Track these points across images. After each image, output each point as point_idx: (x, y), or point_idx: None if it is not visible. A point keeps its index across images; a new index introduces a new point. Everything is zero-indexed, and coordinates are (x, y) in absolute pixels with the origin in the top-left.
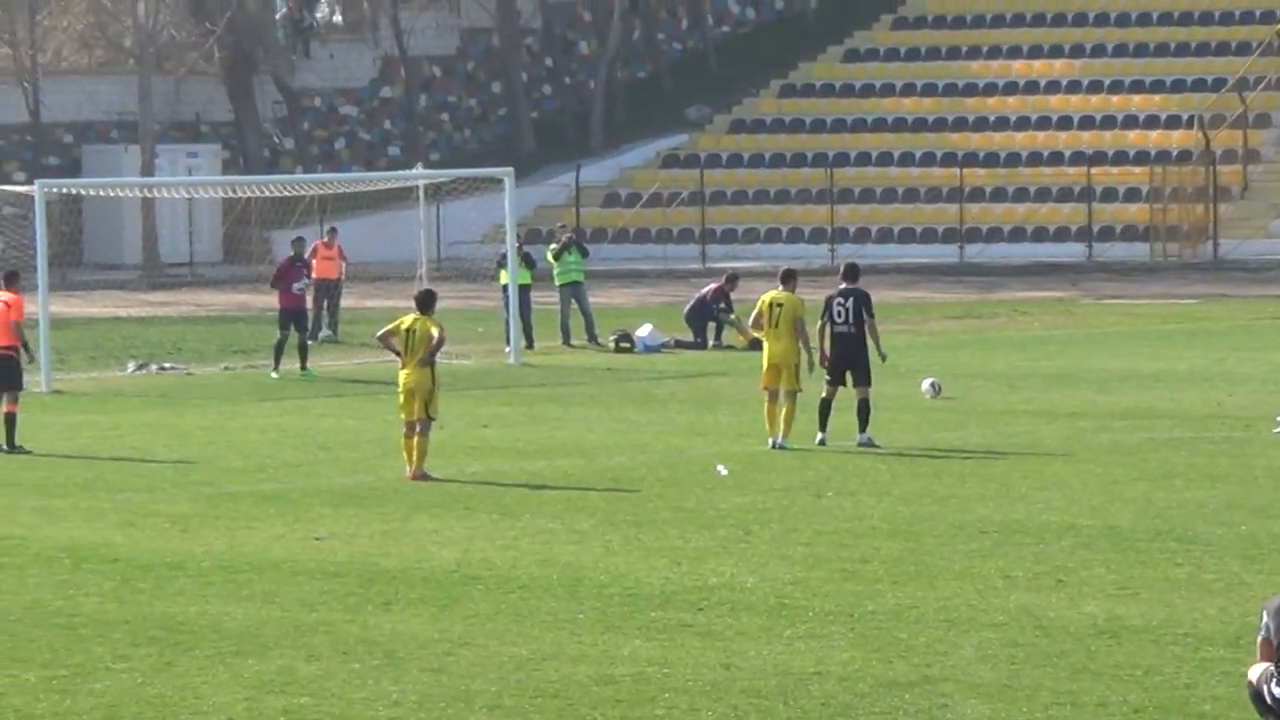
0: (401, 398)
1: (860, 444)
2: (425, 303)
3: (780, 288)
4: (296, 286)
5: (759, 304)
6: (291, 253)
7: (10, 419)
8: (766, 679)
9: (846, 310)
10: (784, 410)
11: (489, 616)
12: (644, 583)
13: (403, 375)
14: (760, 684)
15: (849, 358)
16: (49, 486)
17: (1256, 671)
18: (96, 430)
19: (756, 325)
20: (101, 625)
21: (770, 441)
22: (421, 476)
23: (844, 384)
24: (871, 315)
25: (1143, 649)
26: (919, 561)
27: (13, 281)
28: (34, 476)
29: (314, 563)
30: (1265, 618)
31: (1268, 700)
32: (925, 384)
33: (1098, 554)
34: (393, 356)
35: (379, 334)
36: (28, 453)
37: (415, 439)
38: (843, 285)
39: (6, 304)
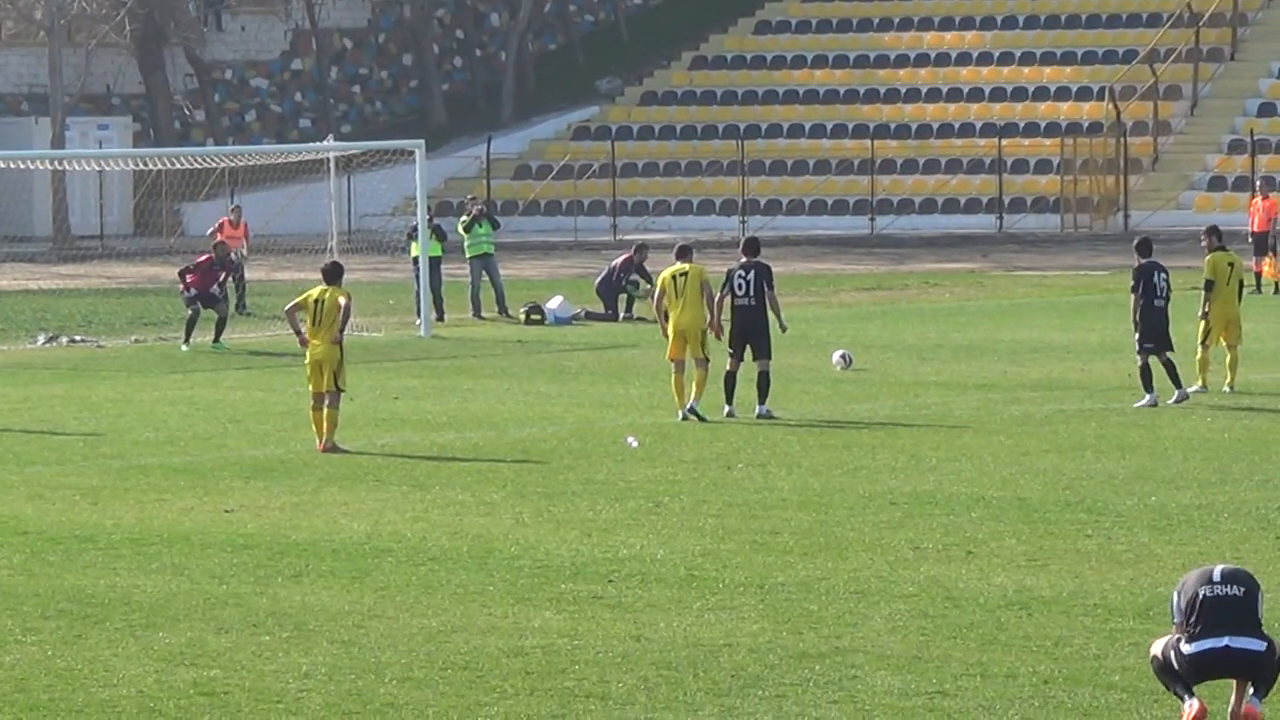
0: (309, 370)
1: (759, 416)
2: (332, 274)
3: (676, 263)
4: (216, 289)
5: (659, 282)
6: (213, 255)
7: None
8: (677, 650)
9: (747, 283)
10: (695, 376)
11: (399, 589)
12: (554, 555)
13: (310, 348)
14: (671, 655)
15: (750, 330)
16: None
17: (1159, 644)
18: (5, 403)
19: (659, 305)
20: (10, 598)
21: (679, 414)
22: (331, 448)
23: (743, 358)
24: (772, 288)
25: (1052, 620)
26: (829, 533)
27: None
28: None
29: (224, 535)
30: (1175, 599)
31: (1175, 666)
32: (836, 356)
33: (1008, 525)
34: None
35: (287, 308)
36: None
37: (325, 411)
38: (744, 259)
39: None
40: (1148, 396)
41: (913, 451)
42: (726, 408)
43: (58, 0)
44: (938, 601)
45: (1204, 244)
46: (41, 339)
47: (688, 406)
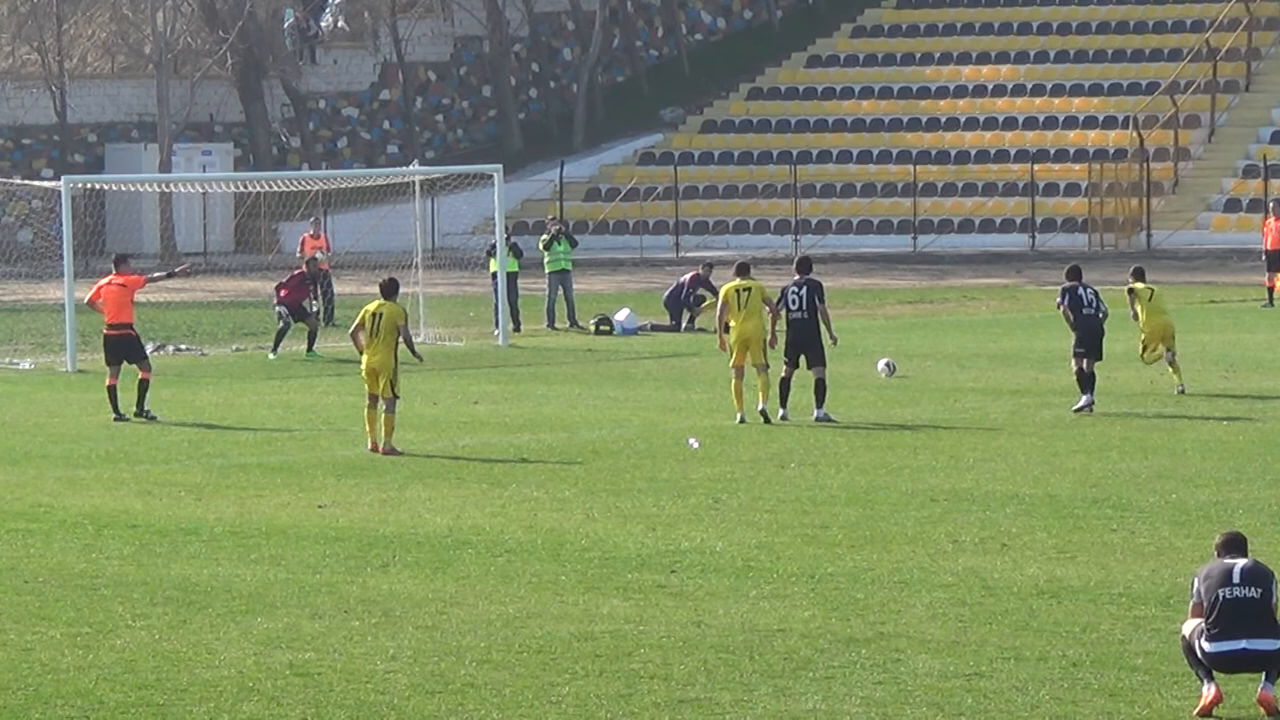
0: (365, 374)
1: (817, 419)
2: (389, 290)
3: (738, 279)
4: (306, 302)
5: (723, 294)
6: (305, 270)
7: (143, 385)
8: (734, 635)
9: (800, 298)
10: (759, 381)
11: (478, 578)
12: (621, 547)
13: (365, 356)
14: (728, 640)
15: (803, 342)
16: (73, 458)
17: (1189, 627)
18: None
19: (721, 317)
20: (121, 586)
21: (738, 417)
22: (390, 451)
23: (798, 366)
24: (823, 302)
25: (1080, 607)
26: (874, 527)
27: (124, 264)
28: (60, 449)
29: (317, 528)
30: (1196, 584)
31: (1198, 654)
32: (880, 364)
33: (1039, 520)
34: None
35: (351, 330)
36: (154, 419)
37: (381, 415)
38: (797, 276)
39: (124, 284)
40: (1084, 398)
41: (952, 452)
42: (781, 411)
43: (165, 36)
44: (975, 590)
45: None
46: (149, 347)
47: (759, 407)
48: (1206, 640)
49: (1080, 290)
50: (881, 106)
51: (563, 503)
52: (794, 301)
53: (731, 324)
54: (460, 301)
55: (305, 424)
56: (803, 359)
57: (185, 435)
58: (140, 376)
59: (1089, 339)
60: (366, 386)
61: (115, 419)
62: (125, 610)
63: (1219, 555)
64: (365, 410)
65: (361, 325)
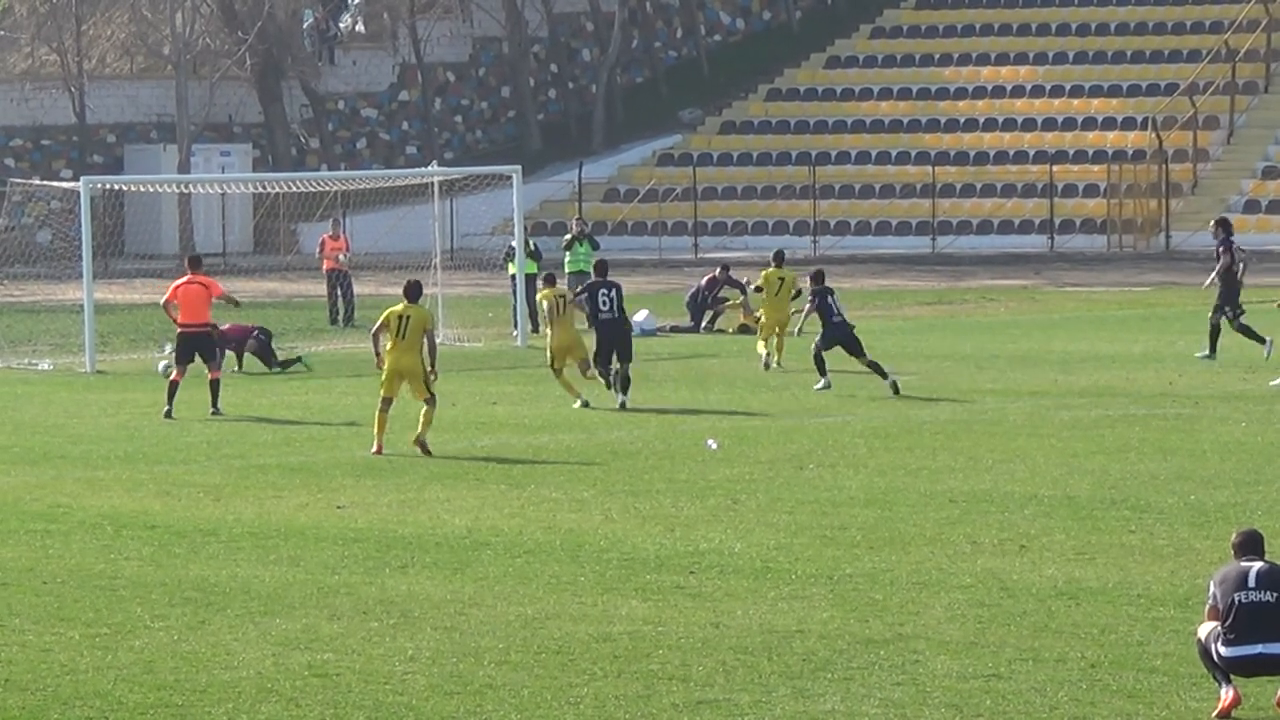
0: (388, 376)
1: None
2: (414, 292)
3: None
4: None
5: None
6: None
7: (215, 385)
8: (753, 636)
9: (610, 300)
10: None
11: (497, 579)
12: (640, 548)
13: (391, 356)
14: (747, 641)
15: (614, 340)
16: (92, 459)
17: (1204, 630)
18: (136, 408)
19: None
20: (140, 587)
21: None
22: (422, 445)
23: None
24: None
25: (1099, 609)
26: (893, 529)
27: (199, 264)
28: (79, 450)
29: (336, 529)
30: (1212, 587)
31: (1214, 658)
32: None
33: (1057, 521)
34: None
35: (372, 330)
36: (222, 415)
37: (423, 411)
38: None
39: (205, 285)
40: (822, 380)
41: (970, 453)
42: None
43: (184, 37)
44: (993, 592)
45: None
46: (169, 348)
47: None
48: (1223, 645)
49: (829, 299)
50: (900, 107)
51: (581, 504)
52: (604, 303)
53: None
54: (479, 303)
55: (324, 425)
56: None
57: (204, 436)
58: (210, 376)
59: (842, 339)
60: (383, 390)
61: (166, 415)
62: (144, 611)
63: (1235, 555)
64: (376, 413)
65: (386, 326)
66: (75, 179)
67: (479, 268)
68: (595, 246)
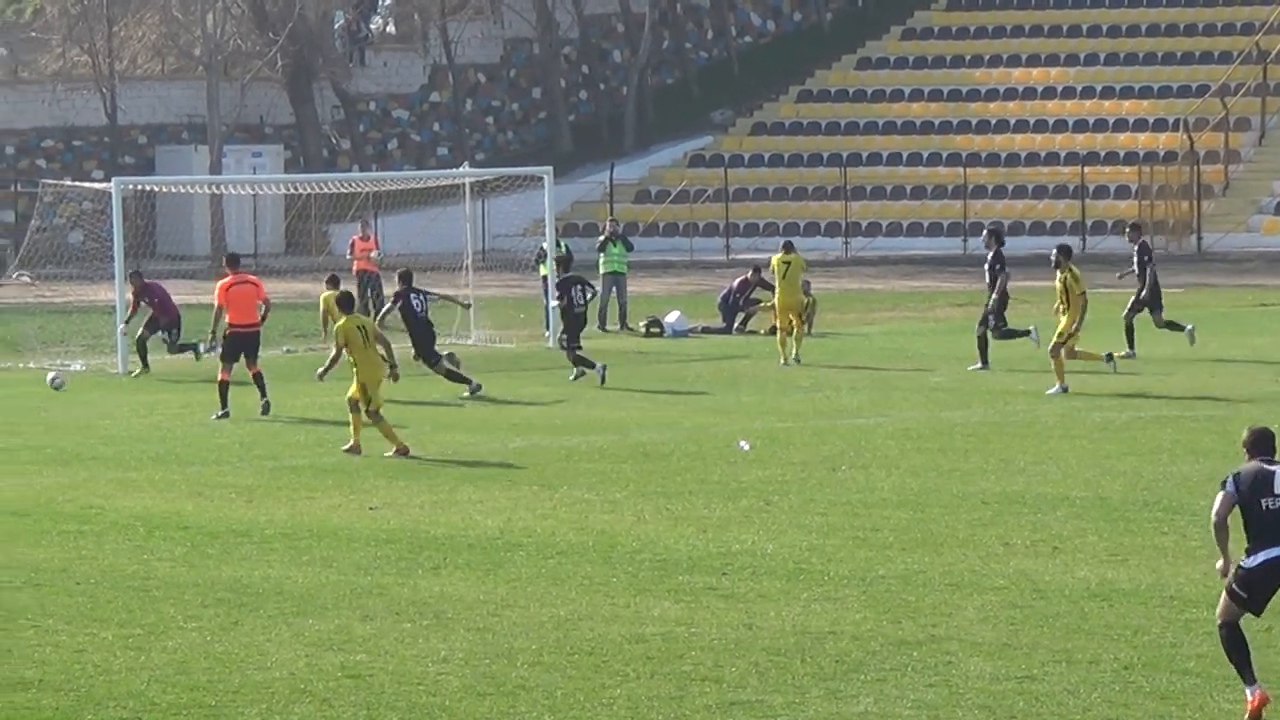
0: (366, 388)
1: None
2: (351, 303)
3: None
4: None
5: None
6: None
7: (259, 378)
8: (785, 638)
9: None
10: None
11: (530, 580)
12: (672, 549)
13: (363, 372)
14: (780, 642)
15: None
16: (125, 460)
17: (1216, 504)
18: (168, 409)
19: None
20: (173, 588)
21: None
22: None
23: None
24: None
25: (1132, 610)
26: (925, 530)
27: (238, 263)
28: (111, 451)
29: (368, 530)
30: (1230, 483)
31: (1226, 533)
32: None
33: (1090, 523)
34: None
35: (335, 355)
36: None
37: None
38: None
39: (255, 285)
40: (595, 369)
41: (1003, 455)
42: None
43: (215, 38)
44: (1026, 593)
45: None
46: (202, 348)
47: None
48: (1246, 558)
49: (577, 288)
50: (931, 109)
51: (614, 505)
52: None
53: (777, 289)
54: (511, 304)
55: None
56: None
57: (236, 437)
58: (252, 371)
59: (578, 331)
60: (361, 398)
61: (221, 414)
62: (177, 612)
63: (1249, 454)
64: (353, 417)
65: (349, 344)
66: (107, 180)
67: (510, 269)
68: (629, 248)
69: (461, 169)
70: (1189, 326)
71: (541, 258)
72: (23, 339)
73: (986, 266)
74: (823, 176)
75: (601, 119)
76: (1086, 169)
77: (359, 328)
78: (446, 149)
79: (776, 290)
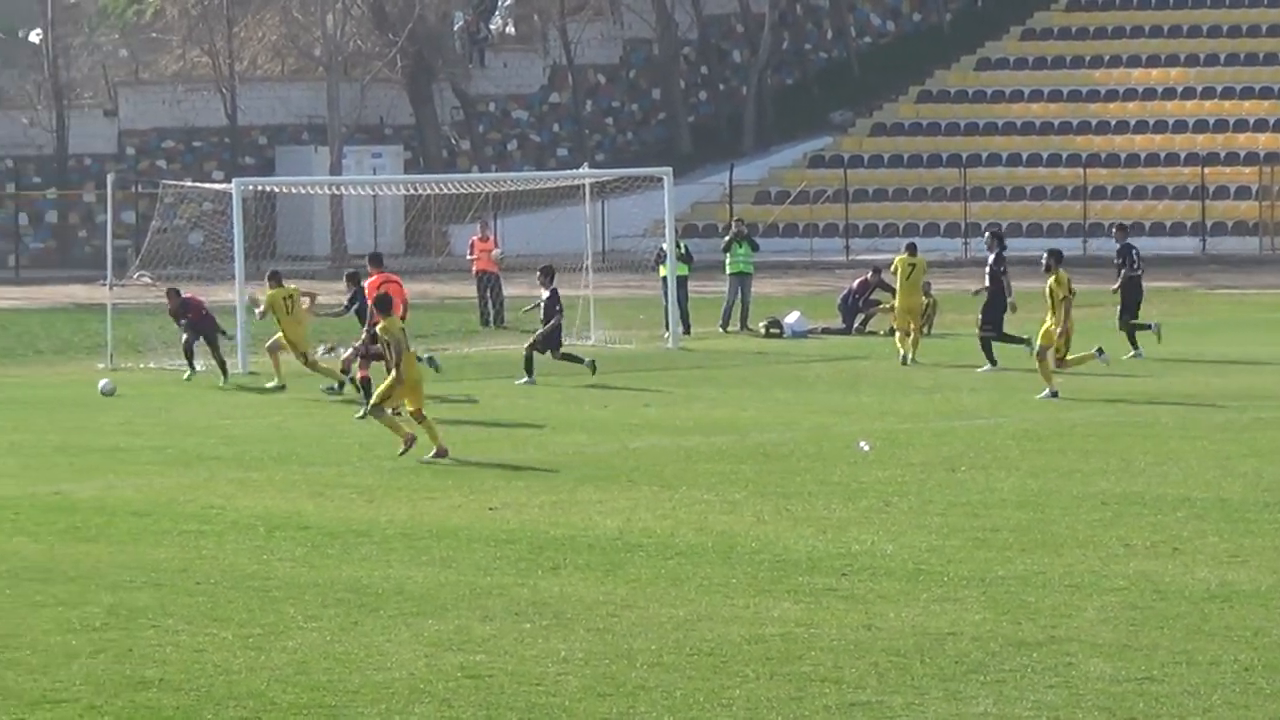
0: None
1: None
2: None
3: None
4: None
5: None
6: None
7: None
8: (905, 639)
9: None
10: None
11: (649, 581)
12: (792, 550)
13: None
14: (899, 643)
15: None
16: (246, 460)
17: None
18: (290, 409)
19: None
20: (293, 588)
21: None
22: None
23: None
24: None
25: (1252, 612)
26: (1045, 531)
27: (381, 261)
28: (231, 451)
29: (488, 530)
30: None
31: None
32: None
33: (1210, 524)
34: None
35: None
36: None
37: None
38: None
39: (400, 283)
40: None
41: (1123, 455)
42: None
43: (335, 39)
44: (1146, 594)
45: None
46: (321, 349)
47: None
48: None
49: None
50: (1051, 109)
51: (733, 505)
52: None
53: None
54: (630, 304)
55: (476, 426)
56: None
57: (356, 437)
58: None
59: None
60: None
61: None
62: (297, 612)
63: None
64: (420, 424)
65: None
66: (227, 180)
67: (630, 269)
68: (755, 248)
69: (581, 170)
70: (1154, 324)
71: (661, 259)
72: (143, 340)
73: (988, 269)
74: (942, 177)
75: (721, 120)
76: (1206, 169)
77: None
78: (566, 150)
79: (897, 292)
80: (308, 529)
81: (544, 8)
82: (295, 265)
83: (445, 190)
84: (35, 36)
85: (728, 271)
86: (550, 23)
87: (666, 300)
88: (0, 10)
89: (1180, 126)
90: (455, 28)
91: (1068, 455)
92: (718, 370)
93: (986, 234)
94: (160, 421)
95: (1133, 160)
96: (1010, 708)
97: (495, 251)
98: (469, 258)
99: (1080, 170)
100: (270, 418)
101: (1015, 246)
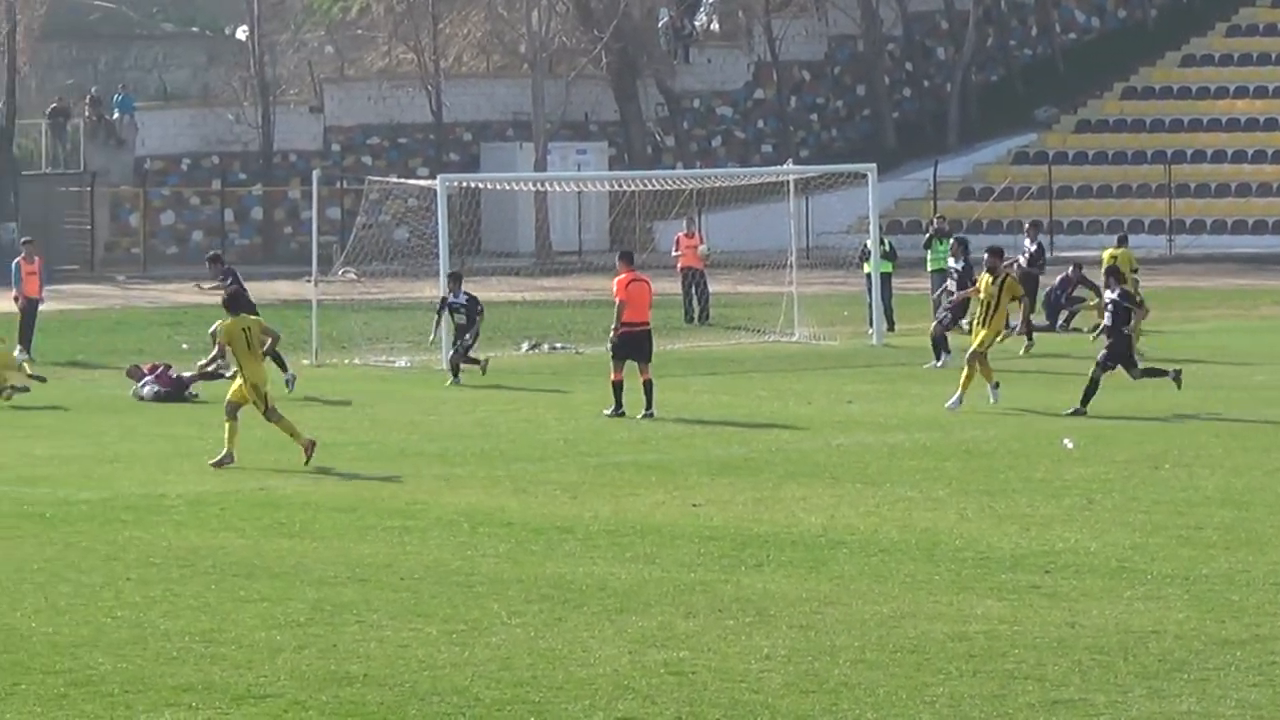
0: (247, 390)
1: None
2: (243, 303)
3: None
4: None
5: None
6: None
7: (648, 385)
8: (1108, 636)
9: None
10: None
11: (853, 577)
12: (995, 547)
13: (249, 372)
14: (1102, 641)
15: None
16: (450, 456)
17: None
18: (493, 405)
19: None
20: (497, 584)
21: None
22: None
23: None
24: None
25: None
26: (1250, 529)
27: (630, 259)
28: (436, 447)
29: (692, 527)
30: None
31: None
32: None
33: None
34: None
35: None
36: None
37: (275, 423)
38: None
39: (648, 282)
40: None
41: None
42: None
43: (540, 36)
44: None
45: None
46: (525, 346)
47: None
48: None
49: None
50: (1257, 106)
51: (937, 503)
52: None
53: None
54: (835, 300)
55: (679, 422)
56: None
57: (560, 434)
58: (643, 378)
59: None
60: (246, 399)
61: (614, 412)
62: (500, 608)
63: None
64: (228, 423)
65: (233, 344)
66: (432, 177)
67: (834, 266)
68: (965, 246)
69: (785, 166)
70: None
71: (866, 255)
72: (348, 335)
73: (954, 272)
74: (1147, 174)
75: (925, 116)
76: None
77: (243, 330)
78: (771, 146)
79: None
80: (511, 525)
81: (749, 4)
82: (500, 262)
83: (650, 187)
84: (242, 34)
85: (930, 269)
86: (755, 19)
87: (870, 297)
88: (207, 8)
89: None
90: (660, 24)
91: (1272, 454)
92: (921, 367)
93: (953, 241)
94: (364, 417)
95: None
96: (1213, 706)
97: (701, 248)
98: (674, 254)
99: None
100: (473, 414)
101: (1220, 244)
